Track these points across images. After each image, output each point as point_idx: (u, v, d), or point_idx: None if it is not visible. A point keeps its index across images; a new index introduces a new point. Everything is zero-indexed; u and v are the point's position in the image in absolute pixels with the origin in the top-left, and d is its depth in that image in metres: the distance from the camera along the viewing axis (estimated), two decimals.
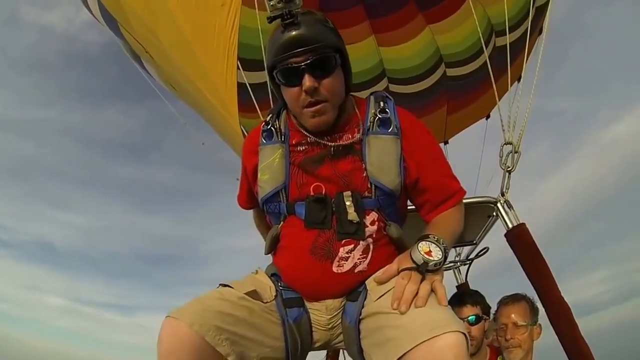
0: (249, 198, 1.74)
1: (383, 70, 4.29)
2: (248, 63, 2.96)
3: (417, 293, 1.15)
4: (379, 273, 1.31)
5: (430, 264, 1.21)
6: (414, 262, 1.23)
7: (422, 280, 1.18)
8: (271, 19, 1.31)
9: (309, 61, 1.32)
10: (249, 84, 2.68)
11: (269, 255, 1.63)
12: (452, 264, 3.51)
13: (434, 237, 1.29)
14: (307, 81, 1.33)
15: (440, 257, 1.24)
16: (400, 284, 1.18)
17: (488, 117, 4.60)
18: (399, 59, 4.28)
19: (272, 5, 1.27)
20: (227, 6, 2.59)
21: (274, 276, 1.53)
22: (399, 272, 1.24)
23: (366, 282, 1.40)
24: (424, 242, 1.27)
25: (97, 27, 3.95)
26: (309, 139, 1.48)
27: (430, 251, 1.24)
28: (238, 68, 2.59)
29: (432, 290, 1.18)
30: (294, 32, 1.31)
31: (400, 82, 4.36)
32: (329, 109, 1.41)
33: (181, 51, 2.83)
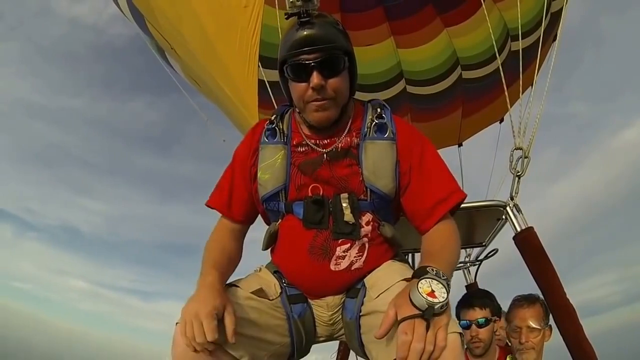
0: (234, 201, 1.61)
1: (401, 71, 4.29)
2: (268, 61, 2.94)
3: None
4: (379, 331, 1.11)
5: (436, 307, 1.06)
6: (415, 307, 1.06)
7: (427, 328, 1.05)
8: (288, 16, 1.36)
9: (318, 60, 1.37)
10: (267, 81, 2.74)
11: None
12: (462, 265, 3.55)
13: (433, 271, 1.16)
14: (315, 78, 1.37)
15: (445, 297, 1.08)
16: (404, 341, 1.02)
17: (502, 120, 4.59)
18: (417, 60, 4.28)
19: (291, 2, 1.32)
20: (250, 7, 2.64)
21: (276, 273, 1.54)
22: (399, 321, 1.07)
23: (365, 279, 1.43)
24: (424, 281, 1.11)
25: (125, 20, 4.03)
26: (310, 140, 1.52)
27: (433, 291, 1.09)
28: (258, 66, 2.65)
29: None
30: (307, 31, 1.35)
31: (418, 83, 4.36)
32: (333, 106, 1.45)
33: (204, 50, 2.89)
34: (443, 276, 1.15)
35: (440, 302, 1.07)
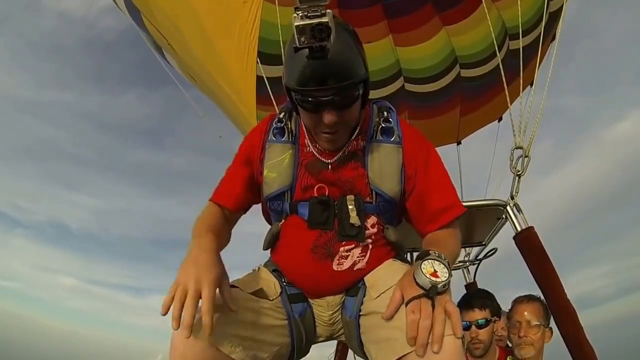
0: (237, 194, 1.55)
1: (399, 69, 4.29)
2: (267, 57, 2.98)
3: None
4: (386, 313, 1.16)
5: (439, 286, 1.10)
6: (420, 287, 1.11)
7: (433, 306, 1.08)
8: (298, 50, 1.18)
9: (332, 97, 1.26)
10: (266, 77, 2.71)
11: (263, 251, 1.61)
12: (461, 264, 3.54)
13: (435, 253, 1.19)
14: (329, 117, 1.29)
15: (447, 276, 1.13)
16: (413, 320, 1.07)
17: (500, 119, 4.61)
18: (415, 59, 4.28)
19: (302, 41, 1.12)
20: (248, 3, 2.62)
21: (275, 272, 1.51)
22: (405, 302, 1.12)
23: (365, 278, 1.41)
24: (426, 262, 1.15)
25: (115, 13, 4.04)
26: (317, 144, 1.48)
27: (435, 272, 1.13)
28: (257, 62, 2.63)
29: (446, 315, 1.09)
30: (320, 66, 1.21)
31: (416, 81, 4.36)
32: (345, 133, 1.42)
33: (202, 46, 2.88)
34: (445, 258, 1.19)
35: (442, 282, 1.11)
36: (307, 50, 1.17)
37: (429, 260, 1.16)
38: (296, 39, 1.12)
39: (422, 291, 1.10)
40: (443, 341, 1.04)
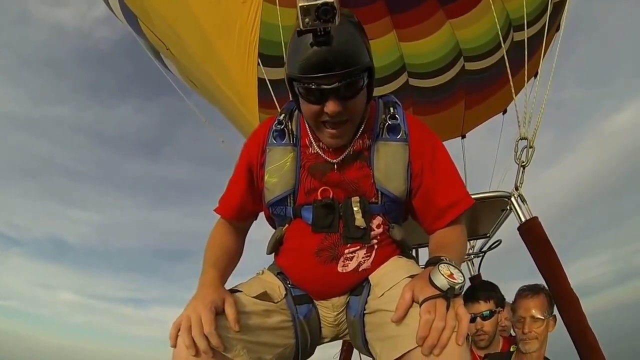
0: (240, 206, 1.58)
1: (403, 65, 4.29)
2: (268, 59, 2.97)
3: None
4: (395, 314, 1.14)
5: (457, 287, 1.10)
6: (437, 288, 1.10)
7: (447, 308, 1.07)
8: (301, 33, 1.17)
9: (336, 85, 1.22)
10: (268, 79, 2.71)
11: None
12: (465, 257, 3.54)
13: (447, 259, 1.20)
14: (332, 105, 1.26)
15: (462, 279, 1.13)
16: (427, 320, 1.05)
17: (505, 112, 4.59)
18: (419, 54, 4.27)
19: (306, 22, 1.11)
20: (248, 3, 2.62)
21: (279, 274, 1.50)
22: (420, 302, 1.10)
23: (369, 276, 1.41)
24: (443, 266, 1.15)
25: (109, 23, 4.14)
26: (320, 143, 1.46)
27: (452, 274, 1.13)
28: (258, 64, 2.64)
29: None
30: (324, 52, 1.18)
31: (420, 76, 4.35)
32: (349, 128, 1.38)
33: (201, 48, 2.88)
34: (456, 265, 1.20)
35: (460, 283, 1.11)
36: (310, 36, 1.16)
37: (445, 264, 1.17)
38: (300, 21, 1.11)
39: (438, 292, 1.10)
40: (447, 347, 1.04)
